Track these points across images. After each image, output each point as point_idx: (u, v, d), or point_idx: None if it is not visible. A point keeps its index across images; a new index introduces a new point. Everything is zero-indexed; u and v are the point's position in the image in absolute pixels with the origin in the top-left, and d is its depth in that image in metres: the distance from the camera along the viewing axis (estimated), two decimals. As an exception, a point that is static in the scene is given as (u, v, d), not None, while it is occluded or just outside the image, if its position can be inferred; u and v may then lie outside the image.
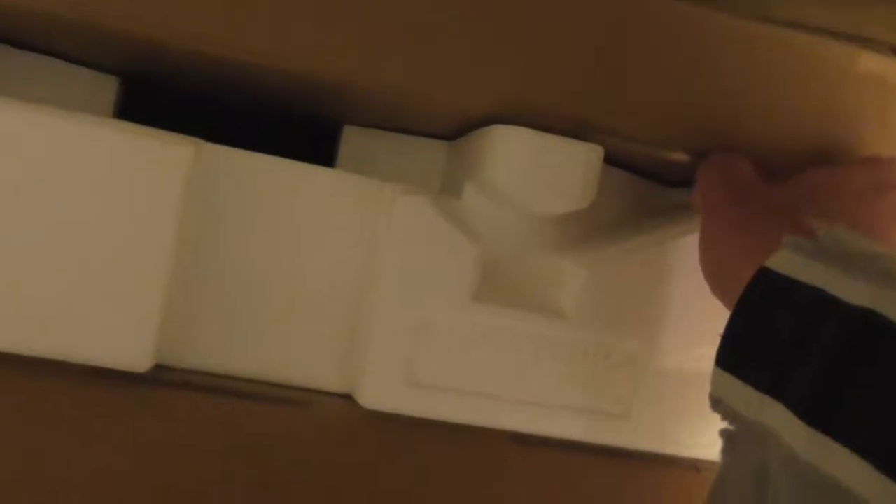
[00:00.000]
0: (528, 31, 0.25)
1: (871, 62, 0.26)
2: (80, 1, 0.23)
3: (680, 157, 0.27)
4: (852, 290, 0.18)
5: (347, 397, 0.26)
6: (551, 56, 0.25)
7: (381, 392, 0.25)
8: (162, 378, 0.24)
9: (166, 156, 0.23)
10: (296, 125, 0.33)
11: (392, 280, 0.25)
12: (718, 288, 0.24)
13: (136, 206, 0.23)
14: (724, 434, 0.21)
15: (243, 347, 0.25)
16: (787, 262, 0.20)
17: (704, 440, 0.27)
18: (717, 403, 0.21)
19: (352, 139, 0.31)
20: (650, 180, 0.30)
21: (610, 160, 0.27)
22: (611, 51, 0.25)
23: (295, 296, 0.26)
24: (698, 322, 0.26)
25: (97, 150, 0.23)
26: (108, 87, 0.30)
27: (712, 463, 0.27)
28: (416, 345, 0.25)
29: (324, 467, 0.25)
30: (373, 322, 0.25)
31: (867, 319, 0.18)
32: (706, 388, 0.26)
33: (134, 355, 0.23)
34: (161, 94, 0.32)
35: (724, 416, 0.21)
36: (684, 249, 0.26)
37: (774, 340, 0.20)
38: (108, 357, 0.23)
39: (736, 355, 0.21)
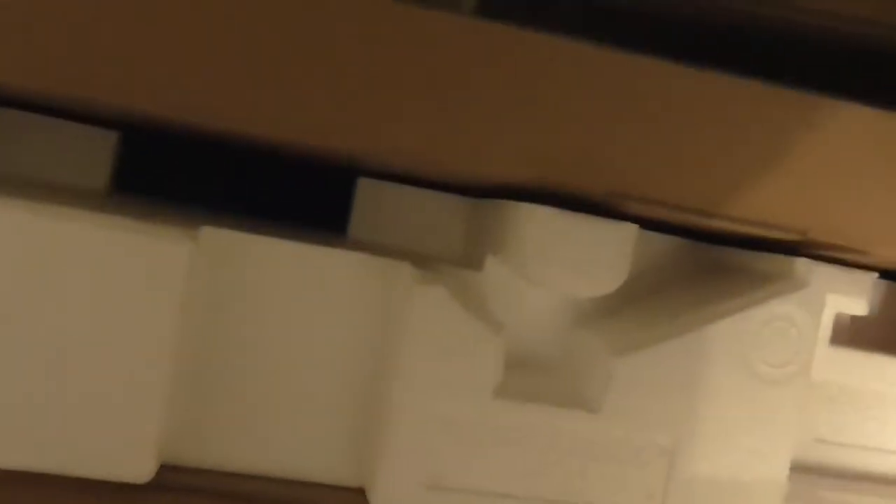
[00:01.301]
0: (553, 101, 0.22)
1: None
2: (69, 78, 0.21)
3: (720, 223, 0.25)
4: None
5: (362, 491, 0.24)
6: (579, 125, 0.23)
7: (397, 494, 0.23)
8: (164, 482, 0.23)
9: (161, 254, 0.21)
10: (309, 171, 0.32)
11: (408, 373, 0.23)
12: None
13: (131, 307, 0.21)
14: None
15: (252, 442, 0.24)
16: None
17: (742, 537, 0.25)
18: None
19: (367, 193, 0.29)
20: (690, 239, 0.28)
21: (644, 224, 0.25)
22: (643, 121, 0.23)
23: (307, 385, 0.24)
24: (738, 413, 0.24)
25: (84, 249, 0.21)
26: (106, 143, 0.28)
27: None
28: (434, 443, 0.23)
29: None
30: (388, 417, 0.23)
31: None
32: (745, 483, 0.25)
33: (135, 467, 0.22)
34: (164, 146, 0.30)
35: None
36: (725, 332, 0.24)
37: None
38: (105, 469, 0.22)
39: None
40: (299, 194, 0.31)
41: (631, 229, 0.24)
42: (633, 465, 0.24)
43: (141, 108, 0.22)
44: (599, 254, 0.23)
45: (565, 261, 0.23)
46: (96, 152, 0.28)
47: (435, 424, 0.23)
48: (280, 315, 0.24)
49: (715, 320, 0.24)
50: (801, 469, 0.26)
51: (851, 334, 0.28)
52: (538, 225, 0.23)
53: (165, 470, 0.23)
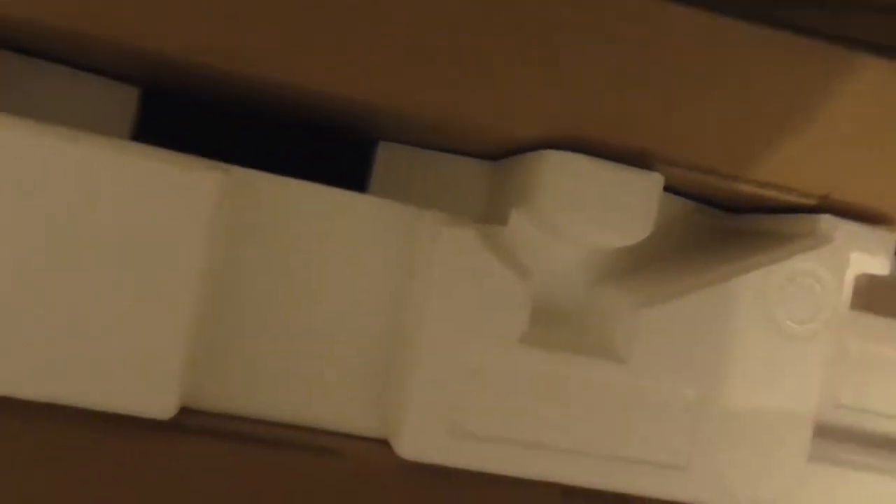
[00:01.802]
0: (580, 54, 0.23)
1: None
2: (85, 11, 0.21)
3: (746, 188, 0.25)
4: None
5: (384, 442, 0.24)
6: (607, 81, 0.23)
7: (422, 442, 0.23)
8: (183, 424, 0.22)
9: (191, 184, 0.21)
10: (326, 140, 0.32)
11: (433, 318, 0.23)
12: None
13: (157, 239, 0.21)
14: None
15: (274, 388, 0.23)
16: None
17: (765, 494, 0.25)
18: None
19: (387, 157, 0.29)
20: (712, 206, 0.28)
21: (668, 187, 0.25)
22: (671, 75, 0.23)
23: (330, 332, 0.24)
24: (763, 369, 0.24)
25: (113, 177, 0.21)
26: (127, 99, 0.28)
27: (774, 518, 0.25)
28: (459, 390, 0.23)
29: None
30: (413, 364, 0.23)
31: None
32: (769, 438, 0.24)
33: (157, 401, 0.21)
34: (184, 105, 0.30)
35: None
36: (749, 287, 0.24)
37: None
38: (128, 403, 0.21)
39: None
40: (318, 161, 0.31)
41: (657, 179, 0.24)
42: (660, 418, 0.24)
43: (157, 48, 0.21)
44: (626, 202, 0.23)
45: (591, 209, 0.23)
46: (117, 108, 0.28)
47: (460, 372, 0.23)
48: (305, 259, 0.24)
49: (739, 275, 0.24)
50: (822, 433, 0.26)
51: (868, 301, 0.28)
52: (564, 172, 0.23)
53: (185, 413, 0.23)
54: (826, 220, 0.25)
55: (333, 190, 0.24)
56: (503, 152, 0.27)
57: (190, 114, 0.31)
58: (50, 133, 0.21)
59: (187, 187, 0.21)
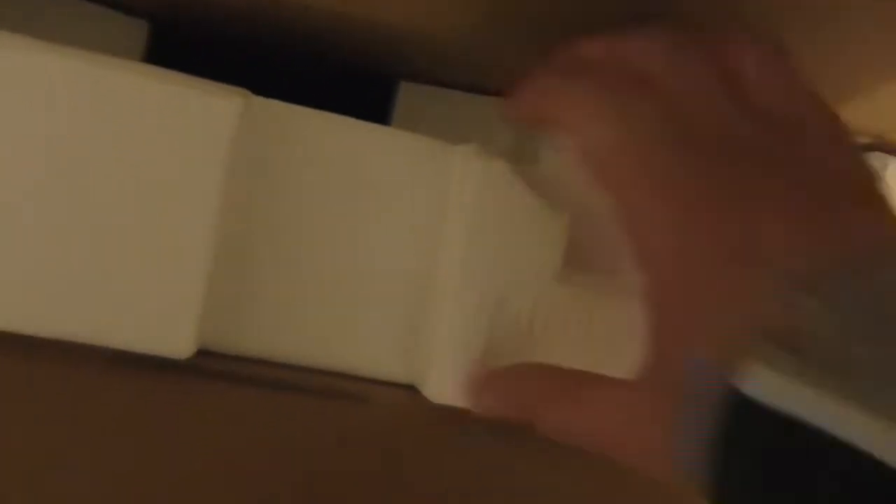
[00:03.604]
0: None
1: None
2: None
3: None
4: None
5: (412, 388, 0.23)
6: None
7: (452, 384, 0.22)
8: (201, 366, 0.21)
9: (211, 109, 0.20)
10: (344, 80, 0.30)
11: (464, 257, 0.22)
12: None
13: (175, 168, 0.20)
14: None
15: (296, 330, 0.22)
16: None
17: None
18: None
19: (409, 97, 0.27)
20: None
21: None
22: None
23: (354, 271, 0.22)
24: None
25: (129, 101, 0.20)
26: (136, 32, 0.26)
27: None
28: (491, 331, 0.22)
29: (383, 471, 0.22)
30: (442, 306, 0.22)
31: None
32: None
33: (175, 340, 0.20)
34: (196, 41, 0.29)
35: None
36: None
37: None
38: (145, 341, 0.20)
39: None
40: (335, 103, 0.30)
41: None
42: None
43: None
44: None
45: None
46: (125, 42, 0.26)
47: (493, 311, 0.22)
48: (330, 195, 0.22)
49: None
50: None
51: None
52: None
53: (204, 355, 0.21)
54: (876, 159, 0.24)
55: (361, 123, 0.22)
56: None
57: (202, 52, 0.29)
58: (59, 51, 0.20)
59: (206, 112, 0.20)
